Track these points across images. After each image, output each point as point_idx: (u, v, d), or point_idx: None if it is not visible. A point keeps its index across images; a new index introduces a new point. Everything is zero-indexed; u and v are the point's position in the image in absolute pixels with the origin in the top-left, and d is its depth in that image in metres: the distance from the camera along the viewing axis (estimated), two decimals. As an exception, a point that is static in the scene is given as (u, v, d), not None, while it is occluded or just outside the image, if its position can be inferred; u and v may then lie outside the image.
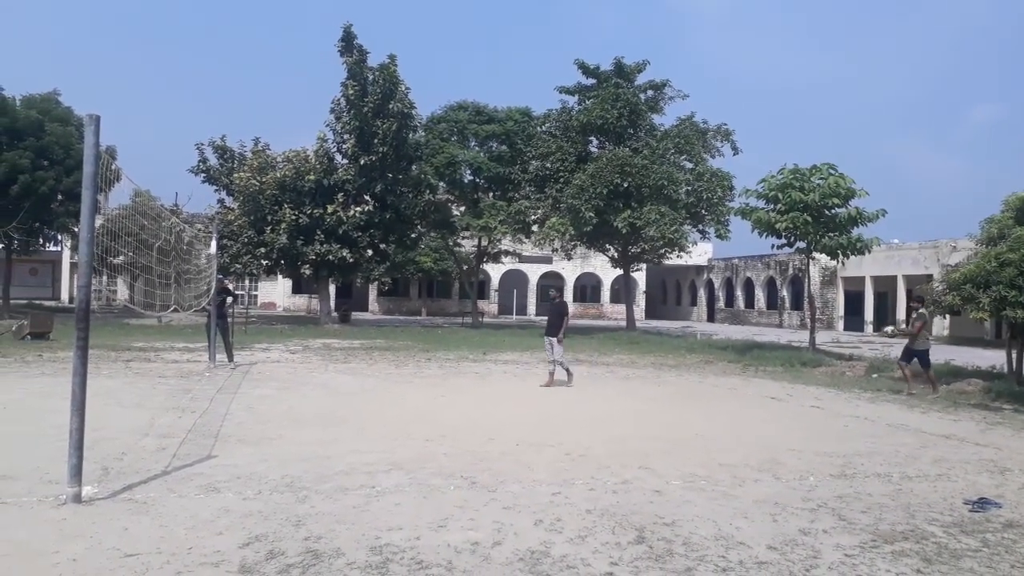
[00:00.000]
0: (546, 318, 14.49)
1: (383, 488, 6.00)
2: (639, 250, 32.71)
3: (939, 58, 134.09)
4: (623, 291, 36.65)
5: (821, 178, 19.29)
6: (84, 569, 4.11)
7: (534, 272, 54.54)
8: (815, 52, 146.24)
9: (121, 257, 19.98)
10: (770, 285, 49.10)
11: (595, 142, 32.74)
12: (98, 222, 8.80)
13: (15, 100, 29.06)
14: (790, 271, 46.11)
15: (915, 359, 13.87)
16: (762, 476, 6.83)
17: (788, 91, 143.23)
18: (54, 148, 27.82)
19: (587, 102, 32.40)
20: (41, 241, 32.68)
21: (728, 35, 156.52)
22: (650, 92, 33.22)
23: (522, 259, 47.73)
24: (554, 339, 13.55)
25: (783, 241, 20.07)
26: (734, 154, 32.60)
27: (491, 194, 34.61)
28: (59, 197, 28.61)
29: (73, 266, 45.82)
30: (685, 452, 7.83)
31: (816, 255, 21.01)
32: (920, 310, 14.31)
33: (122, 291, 37.42)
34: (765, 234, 19.92)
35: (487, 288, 53.50)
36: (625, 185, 28.21)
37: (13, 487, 5.68)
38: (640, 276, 54.13)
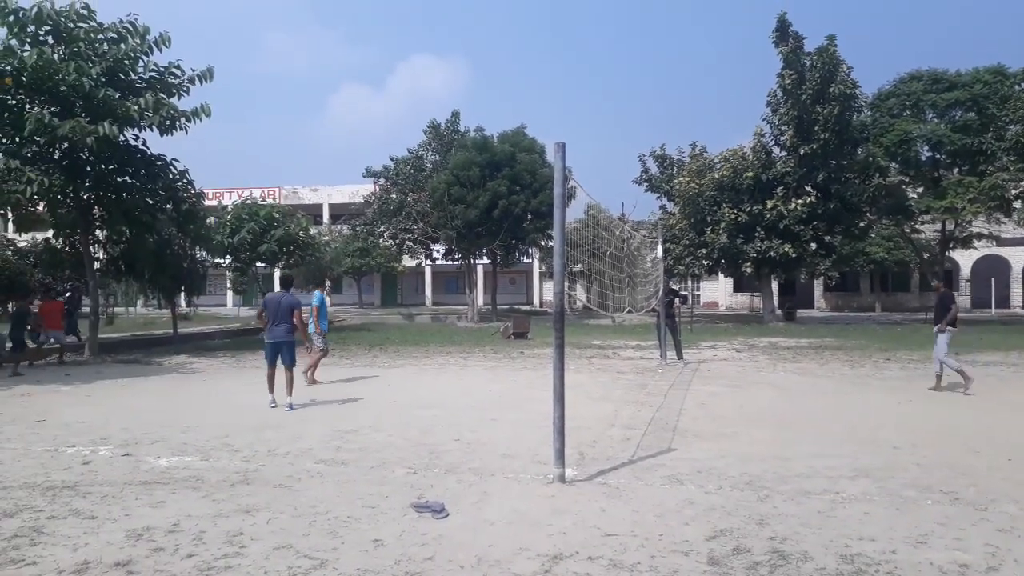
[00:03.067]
0: None
1: (848, 495, 5.68)
2: None
3: None
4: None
5: None
6: (573, 541, 4.69)
7: (1018, 257, 46.04)
8: None
9: (579, 265, 22.29)
10: None
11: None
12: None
13: (493, 138, 34.40)
14: None
15: None
16: None
17: None
18: (524, 175, 32.18)
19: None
20: (517, 255, 38.17)
21: None
22: None
23: (1000, 242, 40.70)
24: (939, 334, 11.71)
25: None
26: None
27: (956, 170, 30.29)
28: (529, 216, 32.98)
29: (542, 275, 52.47)
30: None
31: None
32: None
33: (581, 294, 41.58)
34: None
35: (955, 279, 46.76)
36: None
37: (512, 464, 6.73)
38: None
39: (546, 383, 6.59)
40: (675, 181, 33.21)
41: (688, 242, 31.56)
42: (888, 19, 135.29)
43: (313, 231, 35.49)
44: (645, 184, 38.19)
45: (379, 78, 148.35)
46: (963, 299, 45.85)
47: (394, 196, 36.64)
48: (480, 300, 41.17)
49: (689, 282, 46.44)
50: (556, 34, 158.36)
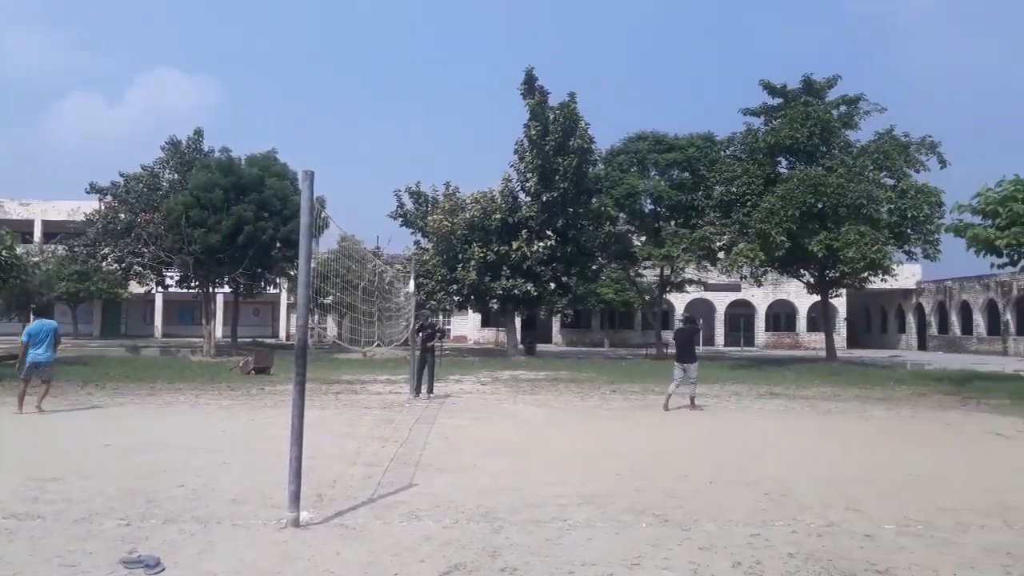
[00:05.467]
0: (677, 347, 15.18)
1: (575, 522, 6.03)
2: (838, 274, 30.71)
3: None
4: (821, 319, 34.55)
5: (1050, 188, 17.24)
6: (305, 588, 4.47)
7: (721, 301, 52.82)
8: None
9: (330, 297, 21.77)
10: (991, 308, 44.24)
11: (784, 163, 31.33)
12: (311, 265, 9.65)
13: (240, 160, 32.72)
14: (1015, 292, 41.33)
15: None
16: (989, 522, 6.14)
17: (1007, 92, 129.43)
18: (273, 201, 30.90)
19: (774, 122, 31.17)
20: (262, 284, 36.30)
21: (933, 38, 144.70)
22: (843, 108, 31.43)
23: (708, 288, 46.40)
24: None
25: (1005, 260, 18.08)
26: (941, 167, 29.90)
27: (673, 222, 34.16)
28: (277, 244, 31.64)
29: (290, 307, 50.50)
30: (898, 493, 7.21)
31: (1048, 274, 18.70)
32: None
33: (331, 328, 40.61)
34: (983, 253, 18.04)
35: (671, 318, 52.34)
36: (819, 206, 26.70)
37: (242, 510, 6.30)
38: (840, 302, 50.78)
39: (286, 421, 6.29)
40: (429, 218, 33.87)
41: (440, 278, 32.26)
42: (621, 83, 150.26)
43: (20, 250, 31.10)
44: (401, 219, 38.51)
45: (116, 89, 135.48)
46: (678, 337, 51.43)
47: (123, 216, 33.24)
48: (219, 332, 38.61)
49: (440, 317, 47.36)
50: (314, 61, 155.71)
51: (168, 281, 35.97)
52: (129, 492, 6.87)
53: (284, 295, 50.10)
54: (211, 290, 34.31)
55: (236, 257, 30.70)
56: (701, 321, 15.66)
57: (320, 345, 36.60)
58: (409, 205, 37.94)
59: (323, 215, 10.24)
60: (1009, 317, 42.33)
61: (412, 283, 16.92)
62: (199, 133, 34.90)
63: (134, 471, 7.83)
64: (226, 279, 33.47)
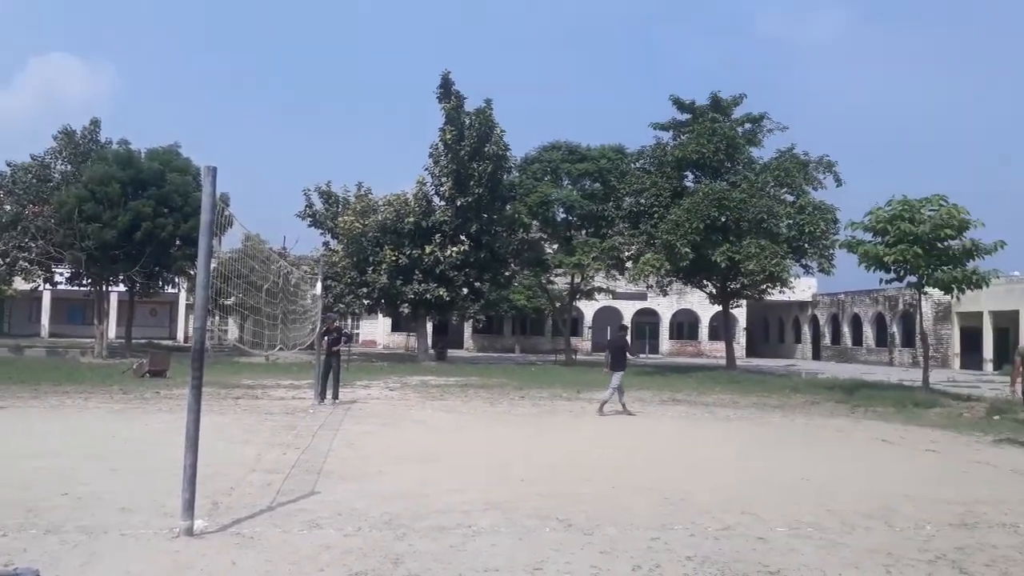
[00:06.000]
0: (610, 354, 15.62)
1: (479, 528, 6.01)
2: (739, 285, 31.95)
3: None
4: (722, 328, 35.84)
5: (932, 209, 18.41)
6: (196, 600, 4.28)
7: (628, 309, 53.98)
8: (927, 78, 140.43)
9: (232, 298, 21.05)
10: (879, 321, 46.89)
11: (691, 177, 32.36)
12: (212, 265, 9.32)
13: (140, 153, 31.29)
14: (901, 306, 43.93)
15: None
16: (874, 524, 6.47)
17: (898, 119, 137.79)
18: (174, 196, 29.69)
19: (682, 137, 32.14)
20: (160, 284, 34.73)
21: (831, 64, 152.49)
22: (748, 125, 32.69)
23: (616, 296, 47.45)
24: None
25: (892, 275, 19.20)
26: (837, 186, 31.49)
27: (584, 231, 34.70)
28: (177, 242, 30.40)
29: (189, 307, 48.57)
30: (790, 497, 7.51)
31: (928, 290, 19.93)
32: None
33: (233, 330, 39.31)
34: (873, 268, 19.11)
35: (580, 325, 53.29)
36: (723, 219, 27.72)
37: (132, 519, 5.99)
38: (740, 313, 52.75)
39: (182, 427, 6.02)
40: (339, 219, 33.27)
41: (350, 280, 31.72)
42: (536, 90, 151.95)
43: None
44: (309, 219, 37.70)
45: (4, 72, 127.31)
46: (585, 344, 52.35)
47: (8, 207, 31.28)
48: (112, 333, 36.80)
49: (350, 320, 46.56)
50: (220, 52, 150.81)
51: (57, 278, 33.97)
52: (6, 502, 6.43)
53: (183, 295, 48.16)
54: (105, 288, 32.64)
55: (133, 255, 29.34)
56: (627, 329, 16.30)
57: (220, 348, 35.36)
58: (318, 205, 37.19)
59: (226, 213, 9.92)
60: (895, 330, 44.92)
61: (319, 285, 16.57)
62: (96, 123, 33.22)
63: (13, 479, 7.34)
64: (121, 277, 31.92)
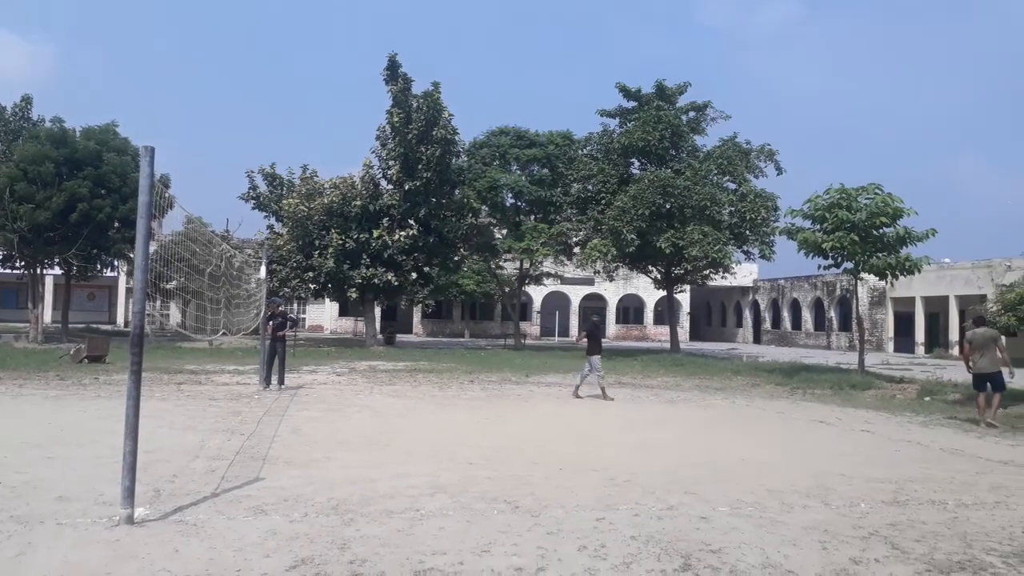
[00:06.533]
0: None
1: (427, 512, 6.03)
2: (682, 271, 32.46)
3: (994, 76, 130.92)
4: (667, 312, 36.37)
5: (868, 198, 18.99)
6: (137, 589, 4.21)
7: (576, 294, 54.43)
8: (866, 72, 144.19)
9: (174, 282, 20.54)
10: (817, 306, 48.22)
11: (637, 164, 32.71)
12: (152, 249, 9.07)
13: (75, 132, 30.17)
14: (838, 292, 45.24)
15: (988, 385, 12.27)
16: (811, 502, 6.70)
17: (836, 111, 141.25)
18: (111, 177, 28.73)
19: (629, 124, 32.41)
20: (99, 267, 33.63)
21: (771, 59, 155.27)
22: (692, 113, 33.14)
23: (564, 281, 47.75)
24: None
25: (830, 262, 19.76)
26: (778, 174, 32.26)
27: (533, 217, 34.81)
28: (116, 224, 29.47)
29: (128, 291, 47.18)
30: (732, 477, 7.72)
31: (864, 275, 20.58)
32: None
33: (175, 315, 38.38)
34: (811, 255, 19.63)
35: (529, 310, 53.51)
36: (667, 206, 28.10)
37: (69, 508, 5.85)
38: (684, 298, 53.66)
39: (121, 414, 5.89)
40: (284, 202, 32.66)
41: (295, 264, 31.22)
42: (483, 75, 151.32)
43: None
44: (253, 202, 36.95)
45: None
46: (534, 328, 52.65)
47: (-67, 187, 29.92)
48: (48, 317, 35.58)
49: (295, 305, 45.87)
50: (166, 35, 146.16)
51: (-12, 261, 32.65)
52: (-67, 492, 6.21)
53: (123, 279, 46.78)
54: (39, 271, 31.49)
55: (69, 236, 28.36)
56: (596, 318, 16.57)
57: (162, 333, 34.54)
58: (263, 187, 36.49)
59: (167, 195, 9.66)
60: (833, 314, 46.27)
61: (264, 269, 16.28)
62: (27, 100, 31.95)
63: (-60, 469, 7.08)
64: (57, 260, 30.83)
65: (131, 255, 32.20)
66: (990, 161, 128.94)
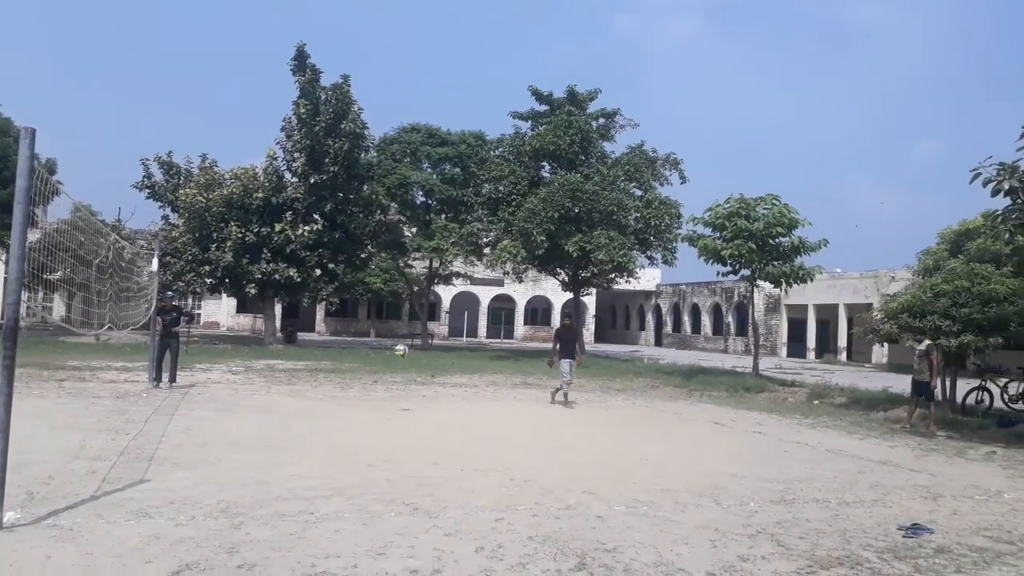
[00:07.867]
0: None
1: (322, 514, 5.87)
2: (589, 274, 32.97)
3: (884, 97, 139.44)
4: (573, 314, 36.86)
5: (766, 208, 19.79)
6: (0, 601, 3.92)
7: (485, 294, 54.52)
8: (765, 90, 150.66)
9: (58, 273, 19.36)
10: (716, 311, 49.96)
11: (547, 167, 33.02)
12: (34, 237, 8.51)
13: (-50, 109, 28.08)
14: (735, 298, 47.00)
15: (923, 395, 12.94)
16: (704, 501, 6.89)
17: (738, 127, 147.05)
18: (-10, 159, 26.91)
19: (540, 128, 32.67)
20: (-27, 255, 31.43)
21: (680, 71, 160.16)
22: (601, 120, 33.71)
23: (473, 281, 47.73)
24: (572, 361, 14.43)
25: (728, 268, 20.48)
26: (682, 183, 33.17)
27: (443, 216, 34.61)
28: (-6, 209, 27.62)
29: (5, 281, 44.24)
30: (629, 477, 7.86)
31: (760, 282, 21.45)
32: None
33: (58, 308, 36.22)
34: (711, 261, 20.30)
35: (438, 310, 53.26)
36: (576, 210, 28.48)
37: (-72, 513, 5.39)
38: (590, 300, 54.58)
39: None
40: (181, 192, 31.30)
41: (191, 257, 29.97)
42: (400, 70, 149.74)
43: None
44: (147, 191, 35.23)
45: None
46: (442, 328, 52.41)
47: None
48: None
49: (191, 300, 44.07)
50: (58, 14, 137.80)
51: None
52: None
53: (1, 268, 43.83)
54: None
55: (-61, 221, 26.34)
56: (568, 320, 15.99)
57: (44, 326, 32.55)
58: (158, 176, 34.78)
59: (51, 181, 9.07)
60: (730, 319, 48.05)
61: (156, 261, 15.55)
62: None
63: None
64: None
65: (7, 243, 30.22)
66: (879, 179, 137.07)
